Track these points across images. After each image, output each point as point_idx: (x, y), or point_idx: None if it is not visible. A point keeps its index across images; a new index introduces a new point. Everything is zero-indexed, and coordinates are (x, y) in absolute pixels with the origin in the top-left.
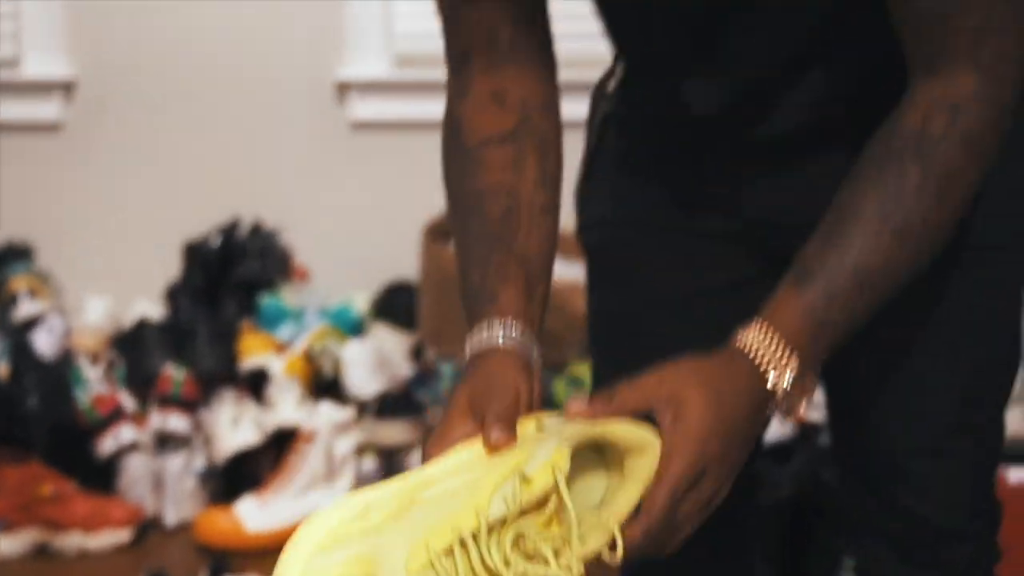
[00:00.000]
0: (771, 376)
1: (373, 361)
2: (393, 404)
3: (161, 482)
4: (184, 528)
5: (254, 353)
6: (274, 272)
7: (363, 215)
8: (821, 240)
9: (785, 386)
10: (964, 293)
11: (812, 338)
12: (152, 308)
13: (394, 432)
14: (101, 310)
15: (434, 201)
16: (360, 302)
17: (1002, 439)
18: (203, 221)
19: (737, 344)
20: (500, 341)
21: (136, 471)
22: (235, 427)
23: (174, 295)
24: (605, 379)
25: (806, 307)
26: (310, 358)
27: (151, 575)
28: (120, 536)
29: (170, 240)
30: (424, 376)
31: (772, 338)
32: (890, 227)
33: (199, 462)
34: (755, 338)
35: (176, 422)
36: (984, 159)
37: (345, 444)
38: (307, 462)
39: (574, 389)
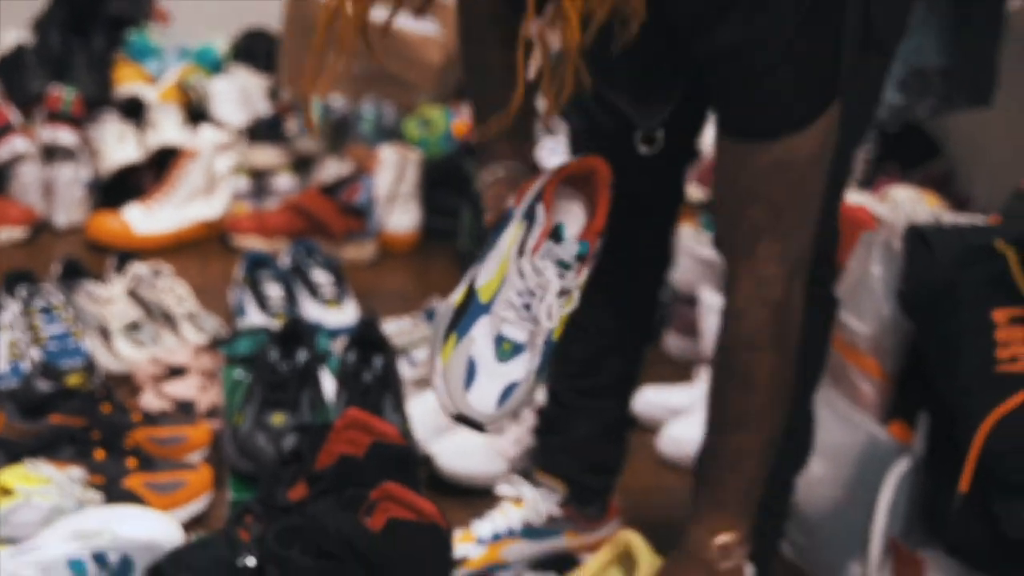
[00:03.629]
0: (724, 565)
1: (237, 96)
2: (262, 132)
3: (51, 190)
4: (74, 231)
5: (129, 82)
6: (139, 11)
7: None
8: (706, 452)
9: (740, 563)
10: None
11: (741, 521)
12: (24, 37)
13: (265, 156)
14: None
15: None
16: (220, 44)
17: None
18: None
19: (687, 551)
20: (489, 179)
21: (27, 178)
22: (120, 144)
23: (42, 26)
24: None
25: (718, 503)
26: (182, 89)
27: (65, 262)
28: (16, 233)
29: None
30: (280, 113)
31: (710, 536)
32: (733, 425)
33: (86, 173)
34: (699, 542)
35: (65, 136)
36: (770, 349)
37: (223, 163)
38: (189, 177)
39: (423, 128)
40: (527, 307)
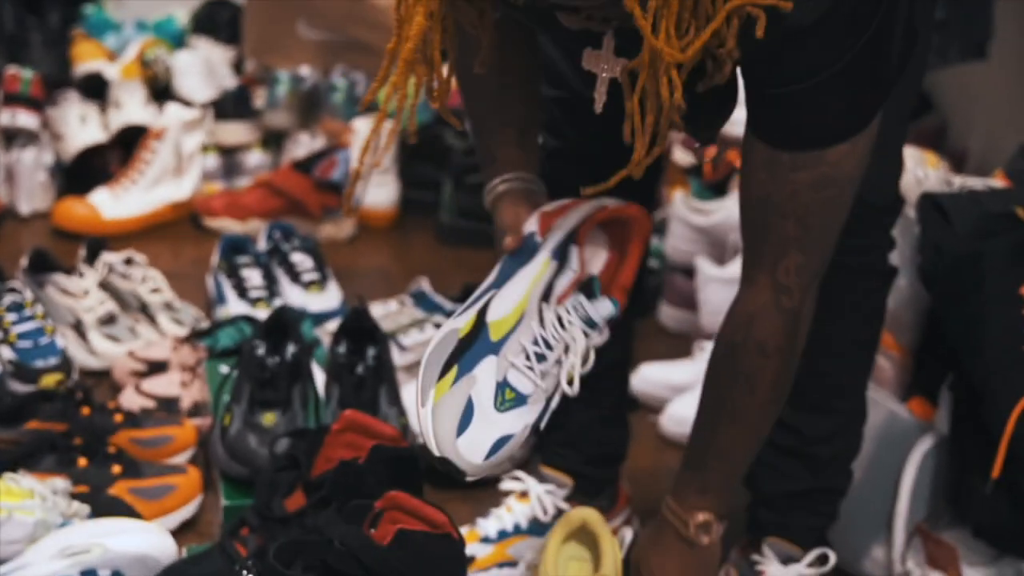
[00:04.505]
0: (704, 540)
1: (201, 70)
2: (230, 107)
3: (12, 176)
4: (38, 217)
5: (88, 60)
6: None
7: None
8: (695, 439)
9: (716, 539)
10: None
11: (721, 503)
12: None
13: (234, 132)
14: None
15: None
16: (180, 15)
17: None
18: None
19: (669, 525)
20: (501, 188)
21: None
22: (83, 125)
23: None
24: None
25: (703, 486)
26: (144, 65)
27: (32, 253)
28: None
29: None
30: (247, 86)
31: (691, 515)
32: (728, 420)
33: (49, 157)
34: (679, 519)
35: (26, 118)
36: (779, 355)
37: (192, 141)
38: (157, 157)
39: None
40: (540, 357)
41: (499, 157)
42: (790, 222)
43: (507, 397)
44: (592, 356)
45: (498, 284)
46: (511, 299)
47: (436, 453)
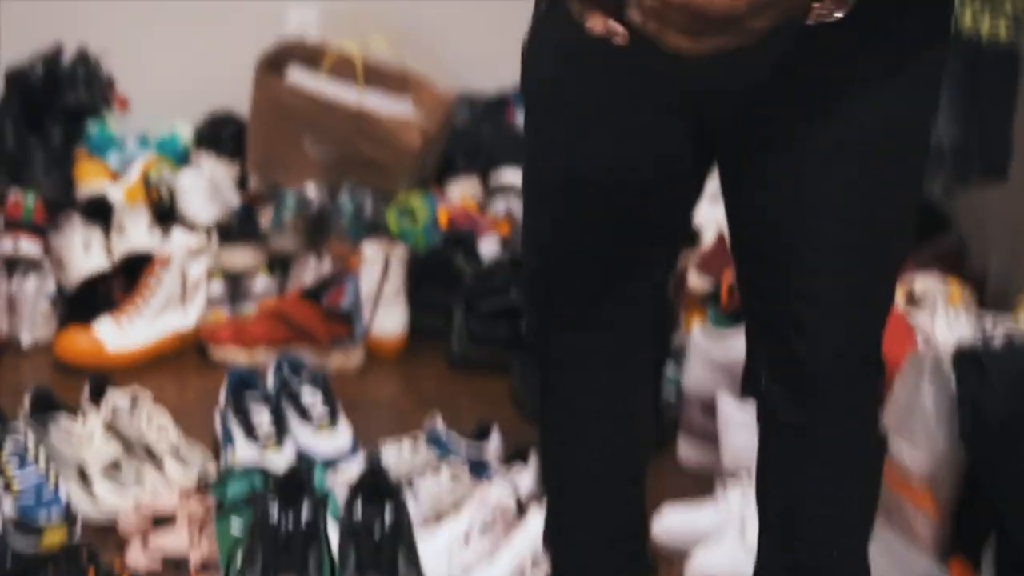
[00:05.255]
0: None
1: (206, 189)
2: (235, 230)
3: (14, 306)
4: (40, 349)
5: (91, 180)
6: (98, 99)
7: (188, 46)
8: None
9: None
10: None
11: None
12: None
13: (239, 257)
14: None
15: (263, 37)
16: (183, 130)
17: (894, 291)
18: (25, 48)
19: None
20: None
21: None
22: (86, 252)
23: None
24: (532, 227)
25: None
26: (148, 186)
27: (34, 394)
28: None
29: None
30: (252, 206)
31: None
32: None
33: (51, 285)
34: None
35: (28, 246)
36: None
37: (198, 268)
38: (163, 285)
39: (405, 219)
40: None
41: None
42: None
43: None
44: None
45: None
46: None
47: None
